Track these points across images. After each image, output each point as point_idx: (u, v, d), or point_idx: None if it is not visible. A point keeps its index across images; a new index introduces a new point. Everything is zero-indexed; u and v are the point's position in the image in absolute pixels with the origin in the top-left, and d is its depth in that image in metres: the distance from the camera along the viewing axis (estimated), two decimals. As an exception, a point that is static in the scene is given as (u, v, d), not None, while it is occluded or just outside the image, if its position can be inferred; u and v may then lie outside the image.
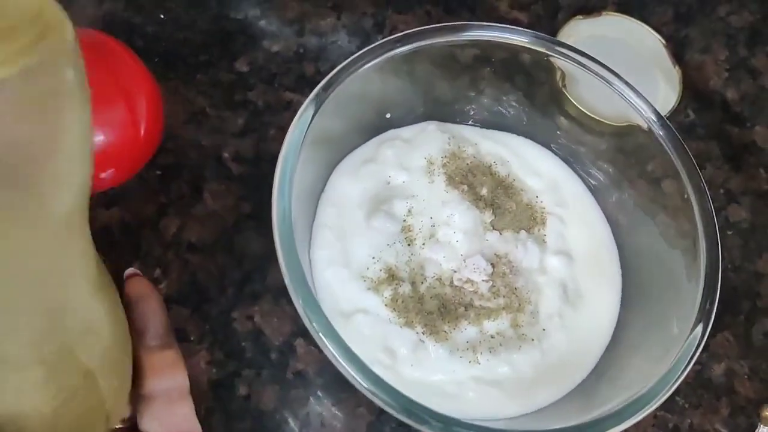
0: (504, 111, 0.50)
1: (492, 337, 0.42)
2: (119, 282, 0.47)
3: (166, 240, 0.49)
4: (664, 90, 0.58)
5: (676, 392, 0.49)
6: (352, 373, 0.34)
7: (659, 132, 0.43)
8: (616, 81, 0.45)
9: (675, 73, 0.58)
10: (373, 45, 0.42)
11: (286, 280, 0.36)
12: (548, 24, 0.61)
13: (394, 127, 0.49)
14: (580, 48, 0.59)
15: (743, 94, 0.61)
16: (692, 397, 0.50)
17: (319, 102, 0.40)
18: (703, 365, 0.51)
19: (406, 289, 0.42)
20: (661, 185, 0.45)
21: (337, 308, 0.42)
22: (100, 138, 0.45)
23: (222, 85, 0.55)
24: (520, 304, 0.43)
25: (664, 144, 0.43)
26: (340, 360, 0.34)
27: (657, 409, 0.48)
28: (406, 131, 0.48)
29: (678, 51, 0.61)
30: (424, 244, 0.44)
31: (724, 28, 0.64)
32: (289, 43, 0.57)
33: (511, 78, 0.48)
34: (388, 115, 0.48)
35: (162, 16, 0.56)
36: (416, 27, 0.59)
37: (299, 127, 0.40)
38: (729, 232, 0.55)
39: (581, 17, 0.59)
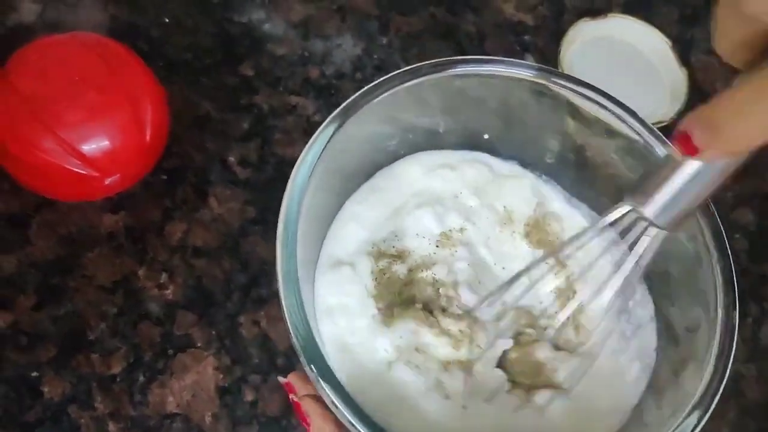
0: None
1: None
2: (122, 285, 0.47)
3: (171, 245, 0.49)
4: (671, 91, 0.58)
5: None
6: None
7: None
8: (617, 109, 0.42)
9: (681, 75, 0.58)
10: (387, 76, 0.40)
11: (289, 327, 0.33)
12: (554, 25, 0.61)
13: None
14: (585, 49, 0.59)
15: (749, 95, 0.61)
16: (700, 400, 0.50)
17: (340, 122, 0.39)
18: (710, 368, 0.51)
19: (402, 270, 0.42)
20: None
21: (334, 255, 0.42)
22: (105, 143, 0.45)
23: (227, 89, 0.54)
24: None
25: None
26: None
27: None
28: (496, 163, 0.47)
29: (684, 52, 0.61)
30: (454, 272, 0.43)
31: (730, 29, 0.64)
32: (293, 46, 0.57)
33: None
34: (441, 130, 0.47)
35: (166, 20, 0.56)
36: (421, 29, 0.59)
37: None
38: (736, 235, 0.55)
39: (587, 19, 0.59)
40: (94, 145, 0.45)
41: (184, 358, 0.46)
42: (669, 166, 0.31)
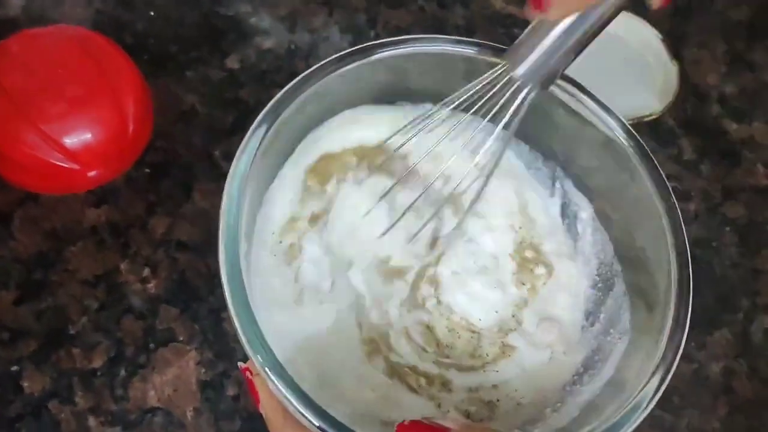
0: None
1: None
2: (105, 279, 0.47)
3: (155, 239, 0.49)
4: (662, 84, 0.57)
5: (673, 391, 0.49)
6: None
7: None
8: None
9: (672, 68, 0.57)
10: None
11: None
12: (543, 19, 0.60)
13: None
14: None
15: (742, 89, 0.60)
16: (689, 396, 0.49)
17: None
18: (700, 364, 0.50)
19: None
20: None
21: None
22: (87, 136, 0.45)
23: (212, 83, 0.54)
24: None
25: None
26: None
27: (654, 407, 0.48)
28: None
29: (676, 45, 0.60)
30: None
31: (722, 22, 0.63)
32: (280, 39, 0.56)
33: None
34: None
35: (152, 14, 0.56)
36: (410, 22, 0.59)
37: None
38: (727, 229, 0.55)
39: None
40: (76, 139, 0.44)
41: (166, 352, 0.46)
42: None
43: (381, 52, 0.40)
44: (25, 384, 0.44)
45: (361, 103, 0.44)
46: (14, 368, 0.44)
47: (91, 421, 0.43)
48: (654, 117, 0.55)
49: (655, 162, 0.39)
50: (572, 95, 0.41)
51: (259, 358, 0.32)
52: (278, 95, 0.38)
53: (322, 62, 0.39)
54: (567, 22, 0.33)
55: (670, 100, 0.56)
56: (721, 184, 0.56)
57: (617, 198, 0.43)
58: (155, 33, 0.55)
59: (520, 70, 0.35)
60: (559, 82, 0.40)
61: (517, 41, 0.36)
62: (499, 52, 0.40)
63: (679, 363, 0.49)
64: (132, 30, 0.55)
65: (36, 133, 0.44)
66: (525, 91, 0.36)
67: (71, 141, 0.44)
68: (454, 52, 0.41)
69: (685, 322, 0.36)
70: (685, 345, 0.49)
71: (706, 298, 0.52)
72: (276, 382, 0.31)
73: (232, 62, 0.55)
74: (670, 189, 0.39)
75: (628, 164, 0.40)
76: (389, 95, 0.44)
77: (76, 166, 0.45)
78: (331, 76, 0.39)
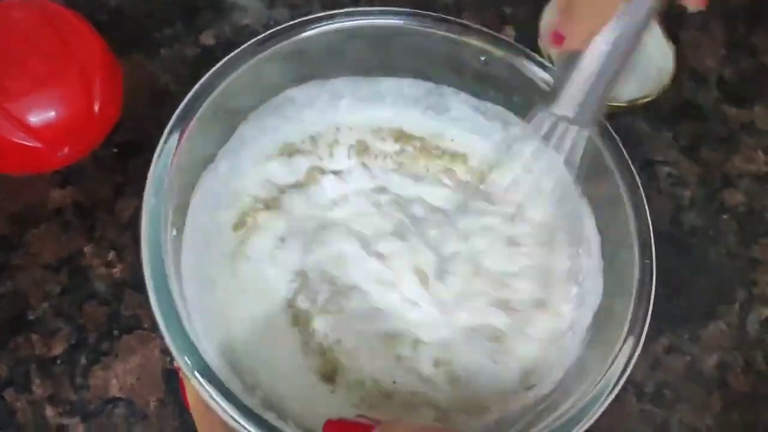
0: None
1: None
2: (68, 263, 0.45)
3: (121, 222, 0.46)
4: (658, 67, 0.55)
5: (665, 386, 0.46)
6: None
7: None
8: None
9: (669, 50, 0.55)
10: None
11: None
12: (535, -2, 0.58)
13: None
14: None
15: (742, 72, 0.58)
16: (682, 390, 0.47)
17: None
18: (694, 357, 0.48)
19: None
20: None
21: None
22: (51, 114, 0.43)
23: (186, 60, 0.52)
24: None
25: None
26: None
27: (645, 402, 0.46)
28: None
29: (674, 28, 0.58)
30: None
31: (722, 4, 0.61)
32: (258, 15, 0.54)
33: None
34: None
35: (125, -11, 0.54)
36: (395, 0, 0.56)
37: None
38: (724, 216, 0.52)
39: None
40: (40, 117, 0.43)
41: (130, 339, 0.43)
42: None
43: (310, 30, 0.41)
44: (-20, 372, 0.42)
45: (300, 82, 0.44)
46: (-31, 355, 0.42)
47: (49, 411, 0.41)
48: (649, 100, 0.52)
49: (618, 141, 0.40)
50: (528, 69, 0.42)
51: (186, 360, 0.29)
52: (195, 87, 0.39)
53: (240, 48, 0.40)
54: (595, 53, 0.34)
55: (667, 82, 0.53)
56: (719, 170, 0.54)
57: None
58: (129, 9, 0.53)
59: (561, 107, 0.36)
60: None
61: (556, 80, 0.36)
62: (431, 21, 0.42)
63: (672, 356, 0.47)
64: (106, 6, 0.53)
65: (-3, 109, 0.42)
66: (575, 129, 0.37)
67: (35, 119, 0.43)
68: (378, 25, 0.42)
69: (648, 304, 0.35)
70: (678, 337, 0.48)
71: (701, 288, 0.50)
72: (206, 386, 0.29)
73: (208, 39, 0.53)
74: (634, 170, 0.39)
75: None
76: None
77: (39, 145, 0.43)
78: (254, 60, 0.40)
